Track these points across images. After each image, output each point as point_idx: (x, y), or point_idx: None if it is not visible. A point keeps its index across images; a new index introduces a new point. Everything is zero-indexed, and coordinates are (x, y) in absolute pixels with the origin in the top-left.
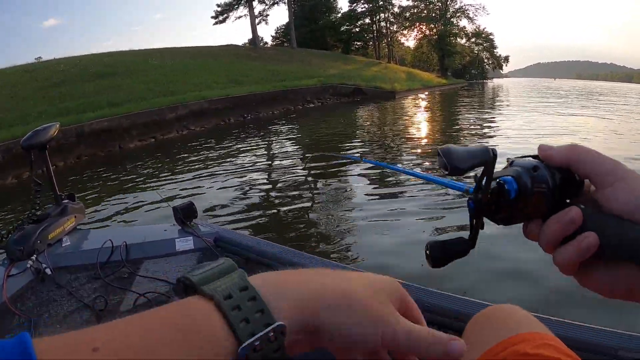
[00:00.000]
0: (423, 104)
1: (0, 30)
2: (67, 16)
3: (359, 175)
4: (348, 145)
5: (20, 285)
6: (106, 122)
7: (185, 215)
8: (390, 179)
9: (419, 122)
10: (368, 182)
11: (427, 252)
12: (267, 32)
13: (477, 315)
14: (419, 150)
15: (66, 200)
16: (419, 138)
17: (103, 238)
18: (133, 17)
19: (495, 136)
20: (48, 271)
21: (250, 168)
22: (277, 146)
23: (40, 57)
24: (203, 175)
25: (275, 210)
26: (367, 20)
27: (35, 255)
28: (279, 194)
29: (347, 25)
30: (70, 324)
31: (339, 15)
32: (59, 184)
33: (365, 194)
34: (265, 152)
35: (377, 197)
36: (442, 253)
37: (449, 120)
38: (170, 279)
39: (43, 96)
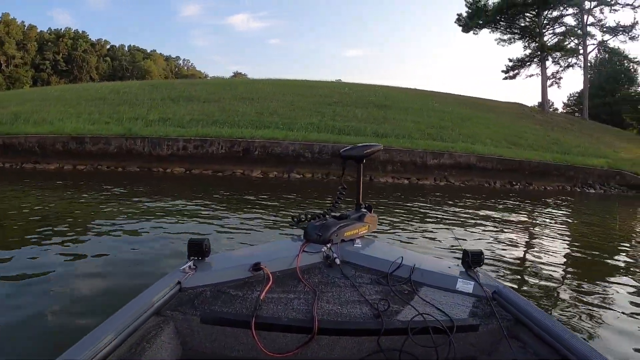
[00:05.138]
0: None
1: (305, 51)
2: (368, 49)
3: None
4: (617, 260)
5: (310, 262)
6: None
7: (473, 260)
8: None
9: None
10: None
11: None
12: (558, 97)
13: None
14: None
15: (364, 210)
16: None
17: (391, 251)
18: (421, 59)
19: None
20: (337, 261)
21: (508, 240)
22: (542, 227)
23: (340, 79)
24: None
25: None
26: None
27: (329, 244)
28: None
29: None
30: (350, 310)
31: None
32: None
33: None
34: (528, 229)
35: None
36: None
37: None
38: (447, 312)
39: (317, 111)
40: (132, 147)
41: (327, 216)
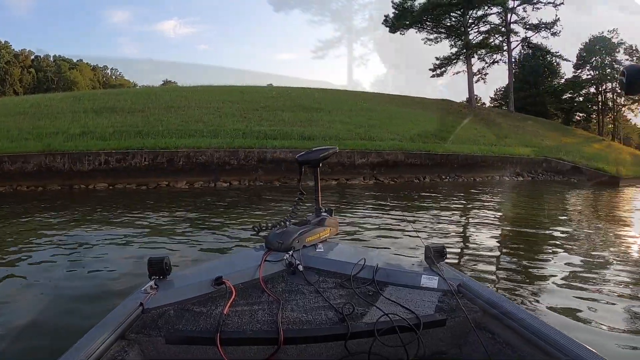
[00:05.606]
0: None
1: (236, 56)
2: (299, 52)
3: None
4: (547, 233)
5: (273, 271)
6: (290, 152)
7: (435, 255)
8: None
9: None
10: None
11: (623, 78)
12: (485, 92)
13: None
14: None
15: (325, 214)
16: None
17: (354, 253)
18: (353, 61)
19: None
20: (300, 267)
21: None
22: (475, 214)
23: (271, 83)
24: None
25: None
26: (592, 90)
27: (291, 252)
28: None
29: (570, 93)
30: (315, 316)
31: (562, 81)
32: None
33: None
34: (467, 219)
35: None
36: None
37: None
38: (413, 309)
39: (244, 116)
40: (52, 164)
41: (287, 223)
